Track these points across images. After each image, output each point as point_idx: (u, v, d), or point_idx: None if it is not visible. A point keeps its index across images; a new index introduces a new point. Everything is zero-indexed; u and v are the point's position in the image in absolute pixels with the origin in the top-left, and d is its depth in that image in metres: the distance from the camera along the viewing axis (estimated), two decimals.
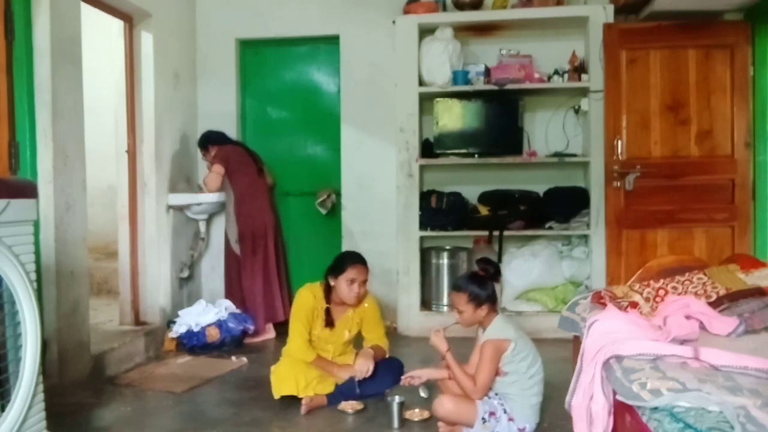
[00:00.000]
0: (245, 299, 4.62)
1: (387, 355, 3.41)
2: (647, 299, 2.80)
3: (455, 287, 2.85)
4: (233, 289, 4.72)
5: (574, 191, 4.68)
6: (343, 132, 5.04)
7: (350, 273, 3.25)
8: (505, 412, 2.68)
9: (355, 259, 3.33)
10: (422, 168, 4.77)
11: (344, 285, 3.25)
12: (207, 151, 4.78)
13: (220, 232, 5.10)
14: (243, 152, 4.78)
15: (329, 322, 3.33)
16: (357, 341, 3.51)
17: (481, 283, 2.77)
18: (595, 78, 4.52)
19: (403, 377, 3.02)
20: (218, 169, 4.62)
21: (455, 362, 2.76)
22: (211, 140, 4.78)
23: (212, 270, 5.16)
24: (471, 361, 2.92)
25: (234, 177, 4.67)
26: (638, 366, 1.99)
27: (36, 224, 2.67)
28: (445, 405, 2.69)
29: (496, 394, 2.74)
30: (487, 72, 4.67)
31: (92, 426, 3.05)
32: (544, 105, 4.90)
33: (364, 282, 3.29)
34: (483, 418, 2.65)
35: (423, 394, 3.08)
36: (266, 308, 4.59)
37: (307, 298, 3.34)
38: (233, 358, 4.13)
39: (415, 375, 2.95)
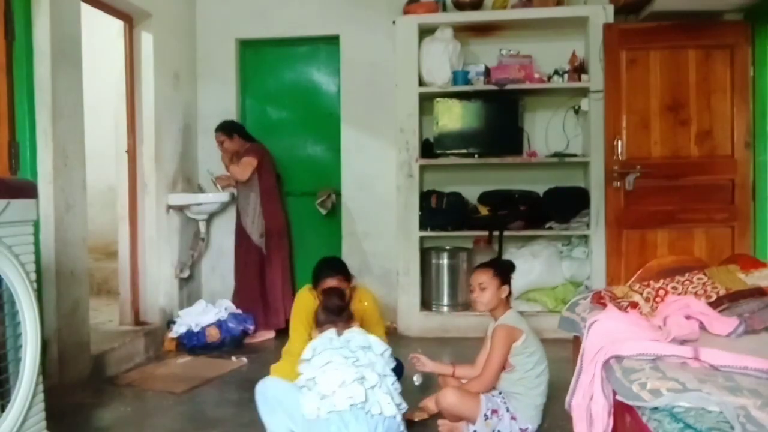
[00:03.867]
0: (267, 294, 4.68)
1: None
2: (647, 299, 2.80)
3: (480, 265, 2.93)
4: (249, 286, 4.71)
5: (574, 191, 4.68)
6: (343, 132, 5.04)
7: (321, 285, 3.14)
8: (507, 410, 2.68)
9: (327, 272, 3.18)
10: (422, 168, 4.78)
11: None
12: (229, 139, 4.74)
13: (220, 232, 5.11)
14: (269, 154, 4.87)
15: None
16: None
17: (505, 266, 2.91)
18: (595, 78, 4.52)
19: (411, 354, 3.01)
20: (252, 161, 4.66)
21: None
22: (239, 131, 4.80)
23: (212, 270, 5.16)
24: (478, 361, 2.91)
25: (262, 175, 4.73)
26: (638, 366, 1.99)
27: (36, 224, 2.67)
28: (448, 398, 2.69)
29: (500, 393, 2.74)
30: (487, 72, 4.67)
31: (92, 426, 3.05)
32: (544, 105, 4.90)
33: None
34: (485, 415, 2.65)
35: (416, 381, 3.08)
36: (286, 305, 4.58)
37: (307, 299, 3.32)
38: (233, 358, 4.13)
39: (422, 359, 2.94)
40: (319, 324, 2.71)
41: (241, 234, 4.79)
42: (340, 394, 2.42)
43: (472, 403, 2.66)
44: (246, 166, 4.65)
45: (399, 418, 2.50)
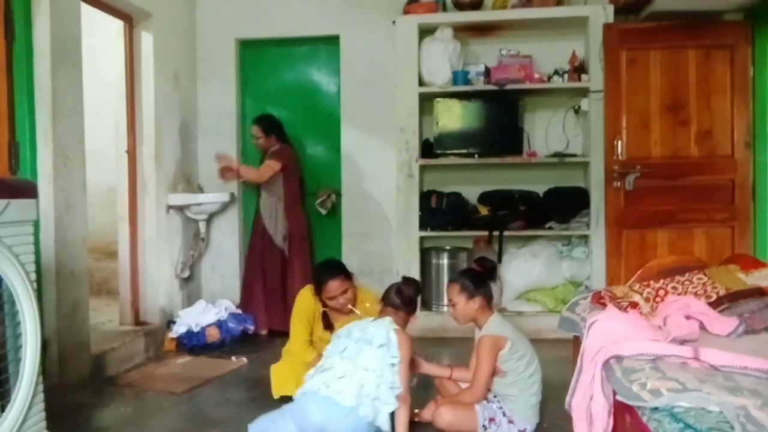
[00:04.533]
0: (288, 295, 4.62)
1: None
2: (647, 299, 2.80)
3: (450, 280, 2.93)
4: (265, 287, 4.72)
5: (574, 191, 4.68)
6: (343, 132, 5.04)
7: (327, 292, 3.19)
8: (504, 415, 2.68)
9: (329, 275, 3.20)
10: (422, 168, 4.78)
11: (327, 301, 3.22)
12: (266, 137, 4.74)
13: (220, 232, 5.11)
14: (296, 157, 4.89)
15: (327, 326, 3.32)
16: None
17: (475, 277, 2.82)
18: (595, 78, 4.52)
19: None
20: (275, 165, 4.63)
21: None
22: (277, 131, 4.79)
23: (212, 270, 5.16)
24: (471, 364, 2.91)
25: (288, 178, 4.72)
26: (638, 366, 1.99)
27: (36, 224, 2.67)
28: (444, 417, 2.67)
29: (495, 397, 2.74)
30: (487, 72, 4.67)
31: (92, 426, 3.05)
32: (544, 105, 4.90)
33: (345, 292, 3.19)
34: (483, 426, 2.65)
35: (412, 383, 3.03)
36: None
37: (308, 299, 3.33)
38: (233, 358, 4.13)
39: (419, 362, 2.92)
40: (385, 303, 2.80)
41: (261, 235, 4.75)
42: (307, 384, 2.60)
43: (469, 417, 2.66)
44: (266, 169, 4.64)
45: (365, 412, 2.45)
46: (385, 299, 2.82)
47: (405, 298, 2.80)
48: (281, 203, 4.70)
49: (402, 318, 2.77)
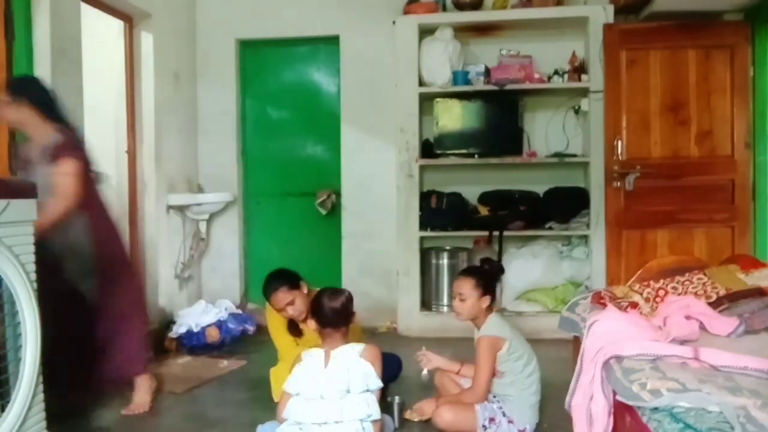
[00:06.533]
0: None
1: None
2: (647, 299, 2.80)
3: (462, 272, 2.87)
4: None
5: (574, 191, 4.68)
6: (343, 132, 5.04)
7: (273, 306, 3.09)
8: (504, 415, 2.68)
9: (269, 289, 3.05)
10: (422, 168, 4.77)
11: (279, 313, 3.11)
12: (18, 103, 2.84)
13: (220, 232, 5.11)
14: (83, 143, 3.07)
15: (296, 333, 3.18)
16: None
17: (488, 274, 2.81)
18: (595, 78, 4.52)
19: (419, 353, 2.96)
20: (70, 166, 2.84)
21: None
22: (37, 97, 2.90)
23: (212, 270, 5.16)
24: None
25: (90, 183, 3.02)
26: (638, 366, 1.99)
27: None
28: (444, 417, 2.68)
29: (495, 397, 2.74)
30: (487, 72, 4.67)
31: (92, 426, 3.04)
32: (544, 105, 4.90)
33: (291, 303, 3.03)
34: (483, 426, 2.65)
35: (425, 378, 2.99)
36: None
37: (273, 312, 3.20)
38: (234, 358, 4.13)
39: (430, 357, 2.93)
40: (322, 326, 2.56)
41: (57, 276, 2.77)
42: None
43: (469, 417, 2.65)
44: (70, 182, 2.81)
45: None
46: (320, 321, 2.53)
47: (340, 313, 2.52)
48: (88, 225, 2.93)
49: (344, 333, 2.54)
